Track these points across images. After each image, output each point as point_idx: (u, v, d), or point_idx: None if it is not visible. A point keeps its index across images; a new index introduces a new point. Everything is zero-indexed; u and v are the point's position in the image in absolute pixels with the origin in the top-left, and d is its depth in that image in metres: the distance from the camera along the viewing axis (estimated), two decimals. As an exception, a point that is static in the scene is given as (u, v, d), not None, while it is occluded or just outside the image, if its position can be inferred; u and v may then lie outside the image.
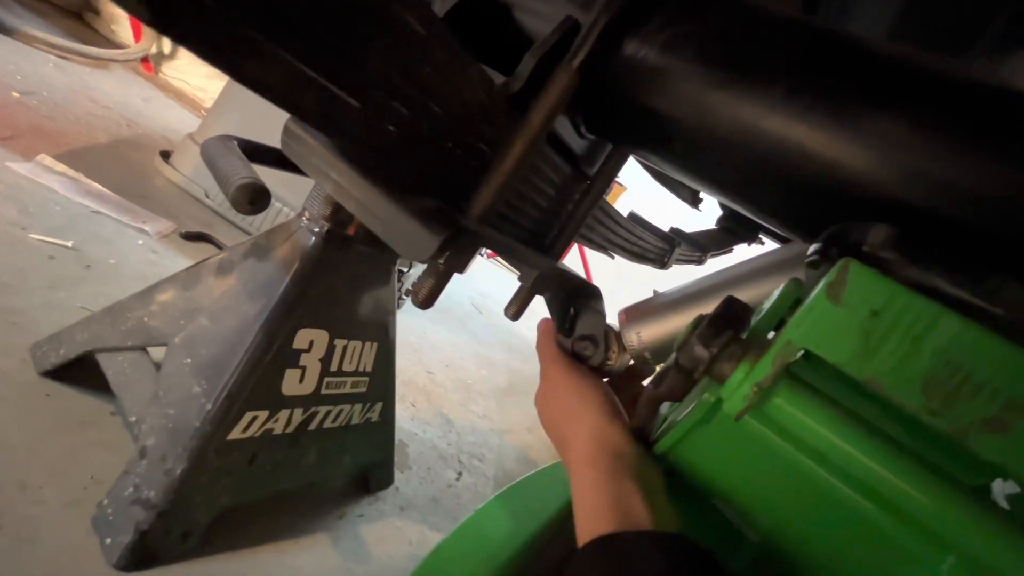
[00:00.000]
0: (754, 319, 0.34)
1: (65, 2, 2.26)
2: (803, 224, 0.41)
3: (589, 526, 0.29)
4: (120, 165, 1.37)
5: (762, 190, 0.41)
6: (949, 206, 0.32)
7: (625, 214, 1.10)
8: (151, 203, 1.27)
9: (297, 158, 0.46)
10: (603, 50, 0.43)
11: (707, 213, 1.19)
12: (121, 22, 2.28)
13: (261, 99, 0.28)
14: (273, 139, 0.50)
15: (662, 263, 1.22)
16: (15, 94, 1.37)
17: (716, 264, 0.81)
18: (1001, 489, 0.32)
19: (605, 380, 0.45)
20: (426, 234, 0.39)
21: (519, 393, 1.68)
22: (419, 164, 0.41)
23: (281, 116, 0.37)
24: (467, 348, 1.77)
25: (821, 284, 0.29)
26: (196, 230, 1.26)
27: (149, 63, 2.31)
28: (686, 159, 0.44)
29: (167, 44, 2.31)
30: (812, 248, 0.35)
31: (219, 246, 1.27)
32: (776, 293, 0.36)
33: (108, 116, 1.62)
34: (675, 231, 1.17)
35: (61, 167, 1.12)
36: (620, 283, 2.29)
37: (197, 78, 2.34)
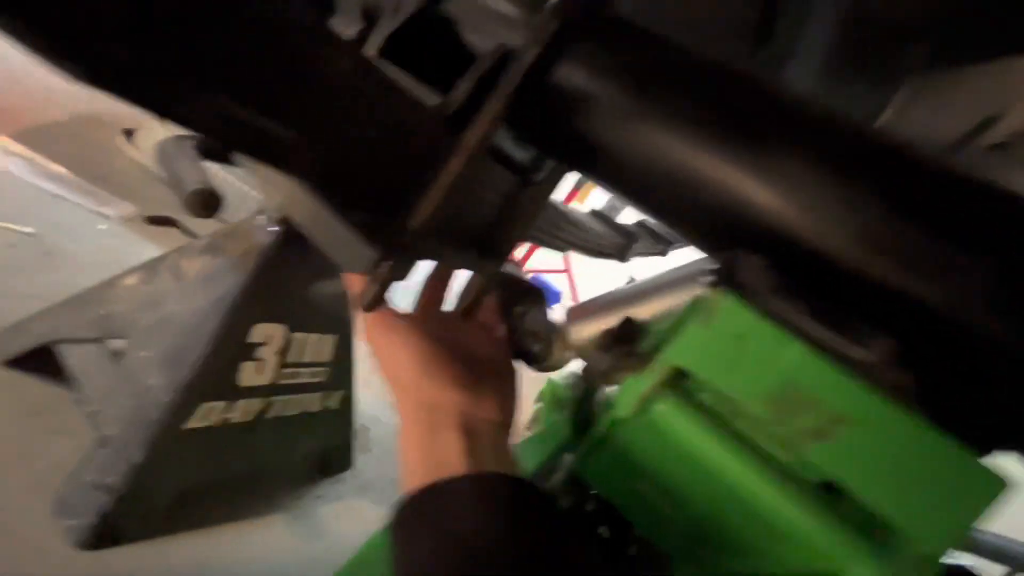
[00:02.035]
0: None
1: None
2: (709, 244, 0.46)
3: (407, 485, 0.29)
4: (80, 144, 1.35)
5: (674, 213, 0.46)
6: (838, 251, 0.36)
7: (591, 210, 1.14)
8: (113, 185, 1.25)
9: (246, 168, 0.48)
10: (534, 76, 0.46)
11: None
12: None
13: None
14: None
15: (621, 257, 1.28)
16: (-34, 67, 1.33)
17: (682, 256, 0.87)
18: None
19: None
20: (366, 249, 0.43)
21: (487, 377, 1.73)
22: (359, 183, 0.45)
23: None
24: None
25: (695, 310, 0.34)
26: (161, 213, 1.26)
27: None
28: (606, 179, 0.48)
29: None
30: (707, 271, 0.40)
31: (186, 230, 1.27)
32: (678, 312, 0.41)
33: (66, 90, 1.56)
34: (641, 225, 1.23)
35: (19, 148, 1.10)
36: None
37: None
